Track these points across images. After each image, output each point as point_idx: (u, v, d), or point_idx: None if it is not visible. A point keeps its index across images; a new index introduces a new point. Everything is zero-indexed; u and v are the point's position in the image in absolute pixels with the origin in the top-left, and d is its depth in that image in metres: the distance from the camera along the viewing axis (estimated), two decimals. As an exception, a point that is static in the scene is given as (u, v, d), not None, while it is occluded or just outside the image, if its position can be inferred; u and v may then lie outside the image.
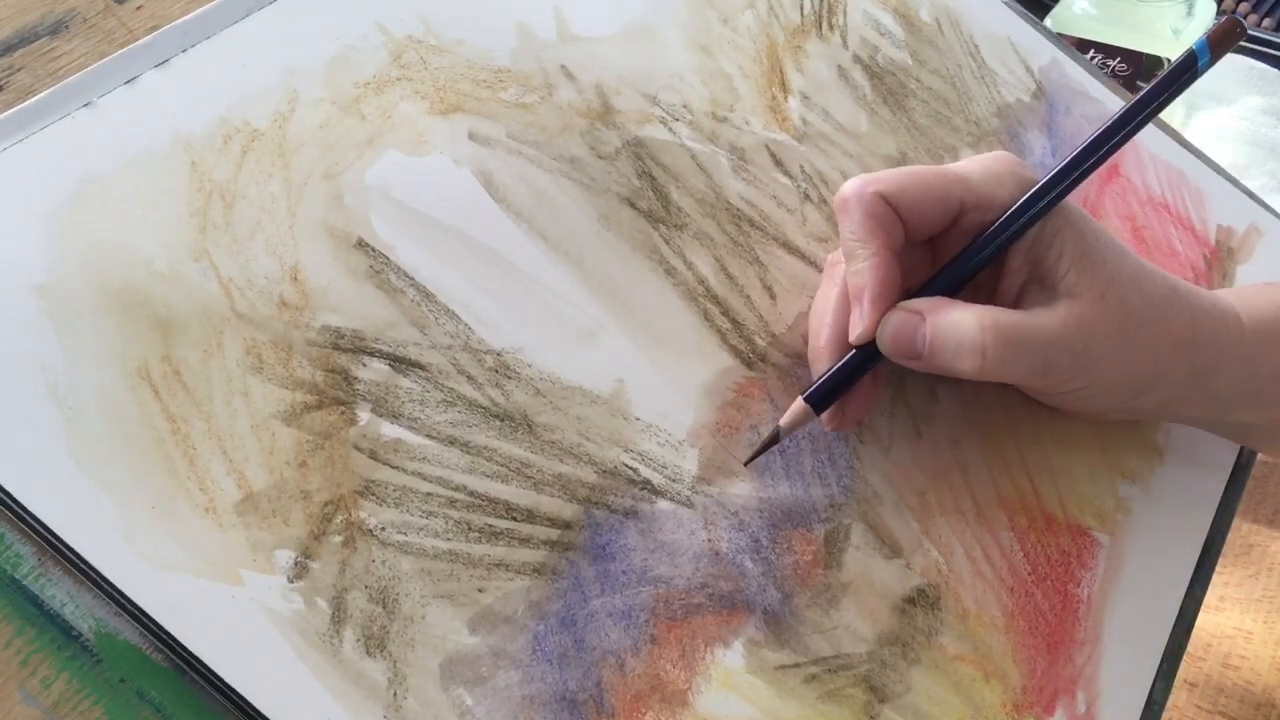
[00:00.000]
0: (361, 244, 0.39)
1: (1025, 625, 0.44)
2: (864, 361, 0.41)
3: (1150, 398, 0.43)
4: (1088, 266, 0.41)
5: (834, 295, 0.43)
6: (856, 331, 0.41)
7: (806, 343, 0.44)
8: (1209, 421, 0.48)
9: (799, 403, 0.41)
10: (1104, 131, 0.43)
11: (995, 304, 0.42)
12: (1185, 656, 0.48)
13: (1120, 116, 0.43)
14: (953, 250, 0.43)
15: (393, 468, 0.36)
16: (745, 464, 0.41)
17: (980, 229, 0.42)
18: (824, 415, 0.42)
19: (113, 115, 0.38)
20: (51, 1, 0.41)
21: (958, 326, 0.40)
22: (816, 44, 0.52)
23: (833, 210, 0.48)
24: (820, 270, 0.46)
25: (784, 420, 0.41)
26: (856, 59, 0.52)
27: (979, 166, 0.43)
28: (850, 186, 0.42)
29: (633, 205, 0.44)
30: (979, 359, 0.40)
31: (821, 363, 0.42)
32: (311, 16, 0.42)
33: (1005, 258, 0.43)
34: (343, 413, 0.36)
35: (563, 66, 0.46)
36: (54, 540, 0.32)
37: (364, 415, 0.37)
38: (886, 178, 0.42)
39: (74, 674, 0.32)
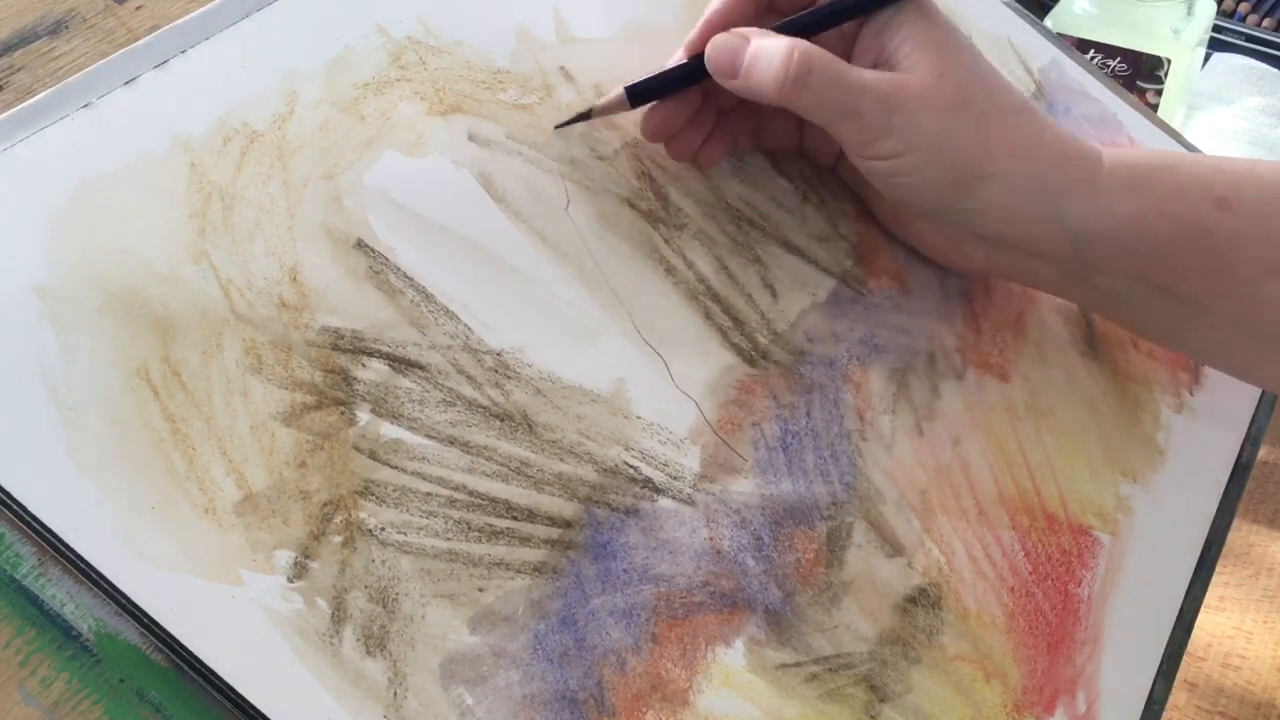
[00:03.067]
0: (361, 245, 0.39)
1: (1026, 625, 0.44)
2: (689, 72, 0.44)
3: (984, 199, 0.42)
4: (930, 51, 0.42)
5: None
6: (687, 40, 0.44)
7: (809, 338, 0.44)
8: (1075, 275, 0.45)
9: (619, 89, 0.44)
10: None
11: None
12: (1185, 656, 0.48)
13: None
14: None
15: (392, 468, 0.36)
16: (556, 127, 0.44)
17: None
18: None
19: (112, 116, 0.38)
20: (51, 1, 0.41)
21: (773, 46, 0.41)
22: (816, 44, 0.52)
23: (832, 211, 0.48)
24: (821, 268, 0.46)
25: (600, 100, 0.44)
26: (856, 59, 0.52)
27: None
28: None
29: (632, 206, 0.44)
30: (782, 75, 0.41)
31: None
32: (311, 18, 0.42)
33: (857, 36, 0.44)
34: (342, 413, 0.36)
35: (562, 68, 0.46)
36: (54, 540, 0.32)
37: (363, 415, 0.37)
38: None
39: (74, 674, 0.32)
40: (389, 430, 0.37)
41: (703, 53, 0.43)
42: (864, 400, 0.44)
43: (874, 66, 0.43)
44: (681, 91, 0.44)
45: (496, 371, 0.39)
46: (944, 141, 0.42)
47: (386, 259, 0.39)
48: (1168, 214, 0.43)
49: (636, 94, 0.44)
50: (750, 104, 0.45)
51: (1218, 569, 0.51)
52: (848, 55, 0.44)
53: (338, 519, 0.35)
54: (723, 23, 0.44)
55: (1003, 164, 0.42)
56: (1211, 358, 0.49)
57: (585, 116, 0.44)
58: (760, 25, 0.44)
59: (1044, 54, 0.59)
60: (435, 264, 0.40)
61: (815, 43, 0.42)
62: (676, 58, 0.45)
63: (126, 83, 0.38)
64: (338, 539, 0.35)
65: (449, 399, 0.38)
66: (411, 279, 0.39)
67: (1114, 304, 0.47)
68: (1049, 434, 0.48)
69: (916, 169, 0.42)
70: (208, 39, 0.40)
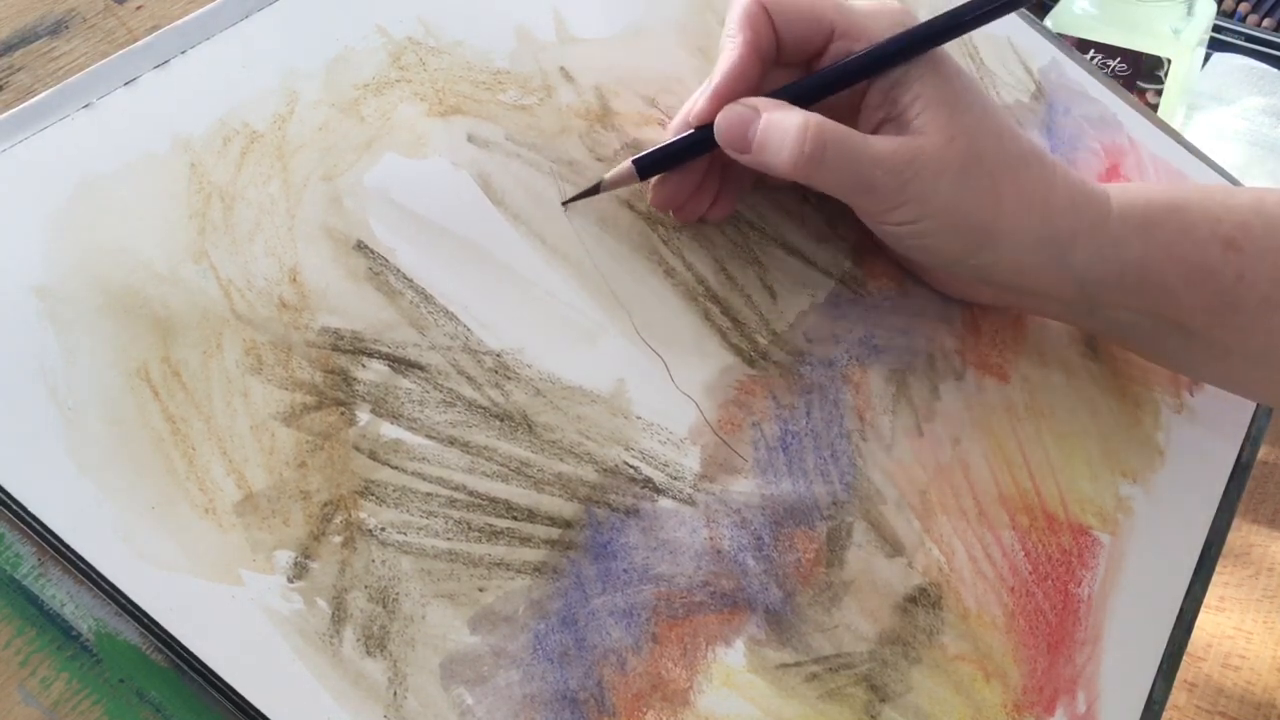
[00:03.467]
0: (361, 246, 0.39)
1: (1026, 625, 0.44)
2: (696, 143, 0.43)
3: (996, 254, 0.42)
4: (943, 111, 0.41)
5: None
6: (693, 110, 0.43)
7: (809, 339, 0.45)
8: (1081, 312, 0.46)
9: (627, 162, 0.43)
10: None
11: None
12: (1185, 656, 0.48)
13: None
14: None
15: (392, 468, 0.36)
16: (564, 204, 0.43)
17: (846, 57, 0.43)
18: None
19: (112, 116, 0.38)
20: (51, 1, 0.41)
21: (786, 122, 0.41)
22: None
23: (831, 213, 0.48)
24: (820, 269, 0.47)
25: (609, 174, 0.43)
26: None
27: (865, 3, 0.44)
28: None
29: (631, 207, 0.44)
30: (797, 152, 0.40)
31: (671, 133, 0.44)
32: (311, 18, 0.42)
33: (864, 94, 0.43)
34: (342, 413, 0.36)
35: (562, 68, 0.46)
36: (54, 540, 0.32)
37: (363, 416, 0.37)
38: None
39: (74, 674, 0.32)
40: (389, 430, 0.37)
41: (710, 123, 0.42)
42: (864, 400, 0.44)
43: (883, 123, 0.43)
44: (689, 162, 0.43)
45: (496, 372, 0.39)
46: (958, 206, 0.41)
47: (386, 260, 0.39)
48: (1175, 257, 0.43)
49: (645, 167, 0.43)
50: (709, 179, 0.45)
51: (1218, 569, 0.51)
52: (856, 110, 0.44)
53: (338, 519, 0.35)
54: (730, 90, 0.42)
55: (1014, 220, 0.42)
56: (1221, 383, 0.50)
57: (594, 191, 0.43)
58: (767, 85, 0.43)
59: (1044, 54, 0.59)
60: (435, 265, 0.40)
61: (826, 105, 0.42)
62: (677, 122, 0.44)
63: (126, 83, 0.38)
64: (338, 539, 0.35)
65: (449, 399, 0.38)
66: (411, 280, 0.39)
67: (1121, 334, 0.48)
68: (1049, 434, 0.48)
69: (931, 234, 0.42)
70: (208, 39, 0.40)
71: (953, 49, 0.55)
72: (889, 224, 0.43)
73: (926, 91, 0.42)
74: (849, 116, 0.43)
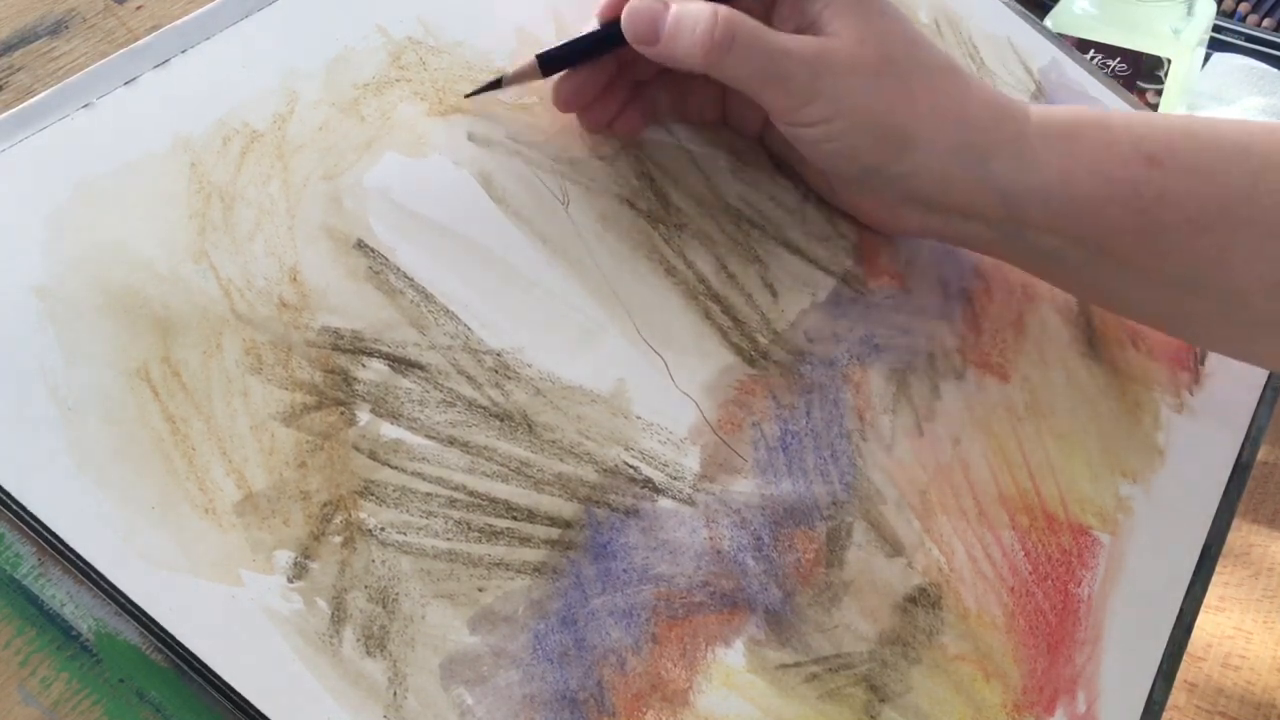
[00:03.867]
0: (361, 245, 0.39)
1: (1026, 625, 0.44)
2: (601, 38, 0.43)
3: (913, 162, 0.42)
4: (854, 16, 0.41)
5: None
6: (599, 3, 0.43)
7: (809, 338, 0.44)
8: (1009, 234, 0.45)
9: (530, 57, 0.42)
10: None
11: None
12: (1185, 656, 0.48)
13: None
14: None
15: (392, 468, 0.36)
16: (466, 96, 0.42)
17: None
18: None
19: (112, 116, 0.38)
20: (51, 1, 0.41)
21: (695, 11, 0.41)
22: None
23: (832, 211, 0.48)
24: (821, 268, 0.46)
25: (511, 69, 0.43)
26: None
27: None
28: None
29: (632, 206, 0.44)
30: (707, 40, 0.40)
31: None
32: (311, 18, 0.42)
33: (774, 4, 0.43)
34: (342, 413, 0.36)
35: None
36: (54, 540, 0.32)
37: (363, 416, 0.37)
38: None
39: (74, 674, 0.32)
40: (389, 430, 0.37)
41: (617, 19, 0.42)
42: (864, 400, 0.44)
43: (795, 33, 0.42)
44: (595, 60, 0.43)
45: (496, 372, 0.39)
46: (870, 105, 0.41)
47: (386, 259, 0.39)
48: (1097, 171, 0.42)
49: (548, 61, 0.42)
50: (669, 74, 0.44)
51: (1218, 569, 0.51)
52: (767, 22, 0.43)
53: (338, 519, 0.35)
54: None
55: (929, 126, 0.42)
56: (1149, 317, 0.48)
57: (496, 85, 0.43)
58: None
59: (1044, 54, 0.59)
60: (435, 264, 0.40)
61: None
62: (589, 24, 0.43)
63: (126, 83, 0.38)
64: (338, 539, 0.35)
65: (449, 399, 0.38)
66: (411, 279, 0.39)
67: (1050, 265, 0.46)
68: (1049, 434, 0.48)
69: (843, 134, 0.42)
70: (208, 39, 0.40)
71: (950, 45, 0.55)
72: (802, 123, 0.42)
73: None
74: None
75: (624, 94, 0.45)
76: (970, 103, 0.42)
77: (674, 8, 0.41)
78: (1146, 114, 0.45)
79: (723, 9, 0.40)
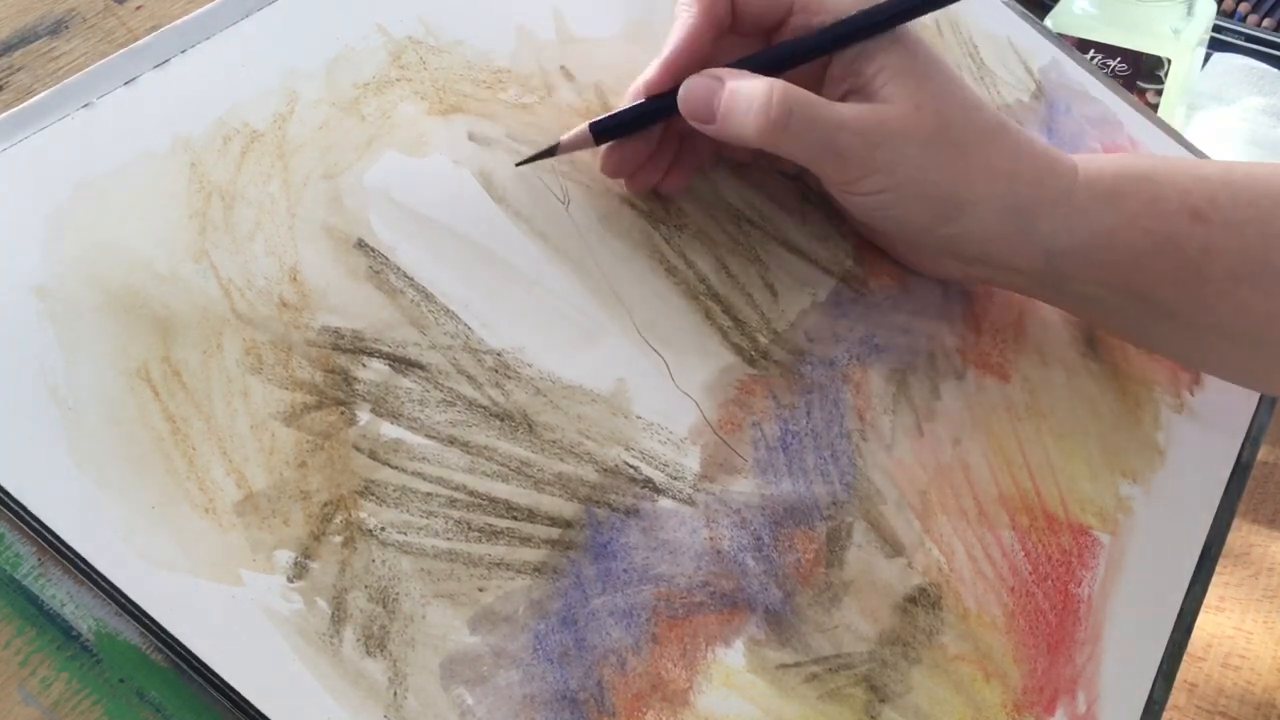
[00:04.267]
0: (361, 244, 0.39)
1: (1026, 625, 0.44)
2: (654, 110, 0.42)
3: (963, 225, 0.42)
4: (909, 81, 0.41)
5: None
6: (647, 79, 0.42)
7: (810, 338, 0.44)
8: (1048, 284, 0.45)
9: (583, 126, 0.42)
10: None
11: None
12: (1185, 656, 0.48)
13: None
14: None
15: (393, 468, 0.36)
16: (518, 165, 0.42)
17: (807, 31, 0.43)
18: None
19: (112, 116, 0.38)
20: (51, 1, 0.41)
21: (751, 89, 0.40)
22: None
23: (833, 211, 0.48)
24: (821, 268, 0.47)
25: (565, 136, 0.42)
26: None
27: None
28: None
29: (633, 205, 0.44)
30: (763, 118, 0.40)
31: (626, 102, 0.43)
32: (311, 17, 0.42)
33: (826, 67, 0.43)
34: (342, 413, 0.36)
35: (562, 67, 0.46)
36: (54, 540, 0.32)
37: (364, 415, 0.37)
38: None
39: (74, 674, 0.32)
40: (389, 430, 0.37)
41: (667, 91, 0.42)
42: (864, 400, 0.44)
43: (847, 95, 0.42)
44: (647, 128, 0.43)
45: (497, 371, 0.39)
46: (927, 174, 0.41)
47: (387, 259, 0.39)
48: (1142, 228, 0.43)
49: (601, 131, 0.42)
50: (663, 150, 0.44)
51: (1218, 569, 0.51)
52: (819, 84, 0.43)
53: (338, 519, 0.35)
54: (684, 59, 0.42)
55: (981, 190, 0.42)
56: (1187, 360, 0.49)
57: (550, 153, 0.42)
58: (720, 52, 0.43)
59: (1044, 54, 0.59)
60: (436, 264, 0.40)
61: (787, 77, 0.41)
62: (631, 92, 0.43)
63: (126, 83, 0.38)
64: (338, 539, 0.35)
65: (449, 399, 0.38)
66: (412, 279, 0.39)
67: (1088, 308, 0.47)
68: (1049, 434, 0.48)
69: (900, 203, 0.42)
70: (208, 39, 0.40)
71: (950, 45, 0.55)
72: (858, 193, 0.42)
73: (891, 63, 0.41)
74: (811, 90, 0.43)
75: (669, 156, 0.45)
76: (1021, 164, 0.42)
77: (728, 85, 0.41)
78: (1190, 163, 0.46)
79: (778, 85, 0.40)
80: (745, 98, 0.40)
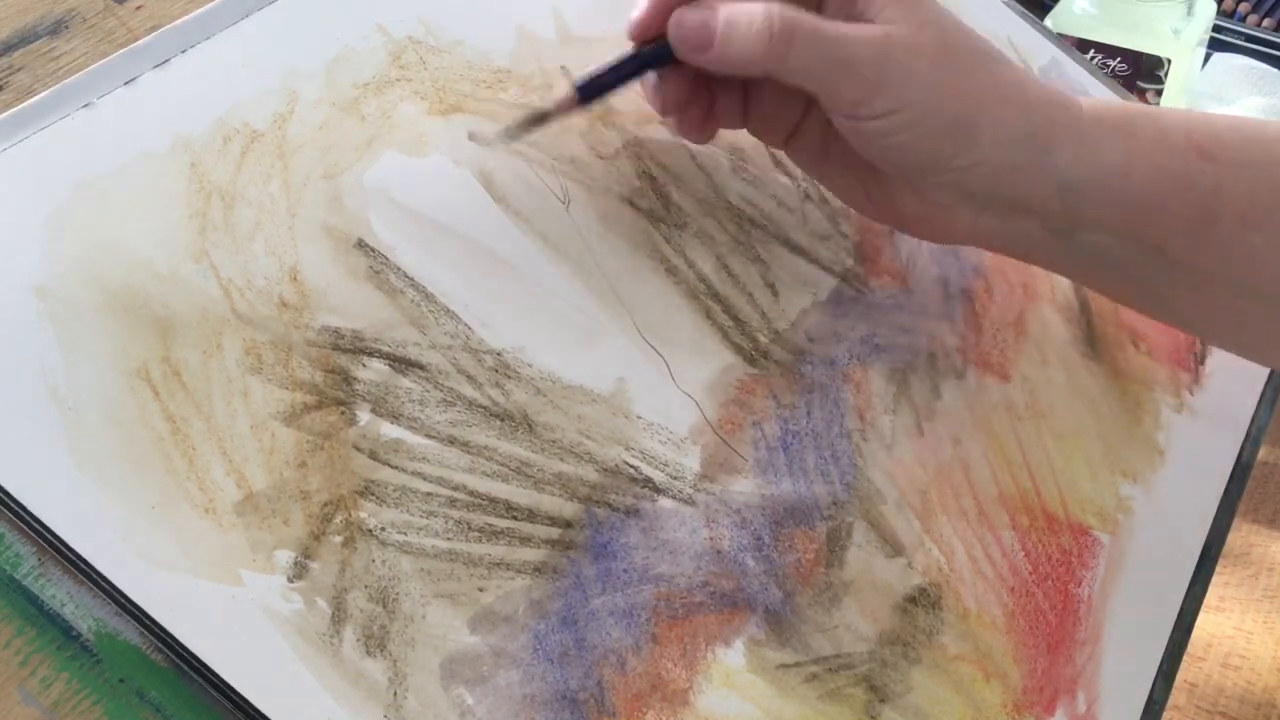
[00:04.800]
0: (361, 245, 0.39)
1: (1026, 625, 0.44)
2: (644, 58, 0.41)
3: (978, 153, 0.41)
4: (907, 3, 0.40)
5: None
6: (632, 19, 0.41)
7: (810, 337, 0.44)
8: (1061, 232, 0.44)
9: (569, 88, 0.41)
10: None
11: None
12: (1185, 656, 0.48)
13: None
14: None
15: (393, 468, 0.36)
16: (503, 133, 0.41)
17: None
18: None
19: (112, 116, 0.38)
20: (51, 1, 0.41)
21: (749, 9, 0.39)
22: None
23: (834, 210, 0.48)
24: (822, 267, 0.46)
25: (551, 102, 0.41)
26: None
27: None
28: None
29: (633, 205, 0.44)
30: (765, 37, 0.38)
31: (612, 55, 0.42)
32: (311, 17, 0.42)
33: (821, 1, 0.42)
34: (342, 413, 0.36)
35: (562, 67, 0.46)
36: (54, 540, 0.32)
37: (364, 415, 0.37)
38: None
39: (74, 674, 0.32)
40: (389, 430, 0.37)
41: (654, 36, 0.40)
42: (864, 400, 0.44)
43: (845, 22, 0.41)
44: (633, 81, 0.41)
45: (497, 371, 0.39)
46: (938, 92, 0.40)
47: (387, 259, 0.39)
48: (1152, 162, 0.41)
49: (586, 89, 0.41)
50: (701, 81, 0.43)
51: (1218, 569, 0.51)
52: (816, 11, 0.41)
53: (338, 519, 0.35)
54: None
55: (994, 114, 0.40)
56: (1195, 325, 0.47)
57: (541, 120, 0.41)
58: None
59: (1044, 54, 0.59)
60: (436, 264, 0.40)
61: None
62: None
63: (126, 83, 0.38)
64: (338, 539, 0.35)
65: (449, 399, 0.38)
66: (412, 279, 0.39)
67: (1099, 267, 0.45)
68: (1049, 434, 0.48)
69: (912, 125, 0.40)
70: (208, 39, 0.40)
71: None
72: (868, 116, 0.40)
73: None
74: None
75: (707, 96, 0.43)
76: (1029, 88, 0.41)
77: (723, 10, 0.40)
78: (1194, 111, 0.44)
79: (775, 5, 0.39)
80: (744, 19, 0.39)
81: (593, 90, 0.41)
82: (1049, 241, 0.44)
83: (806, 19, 0.39)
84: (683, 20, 0.40)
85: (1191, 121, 0.42)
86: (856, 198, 0.46)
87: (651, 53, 0.41)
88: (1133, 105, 0.43)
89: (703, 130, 0.44)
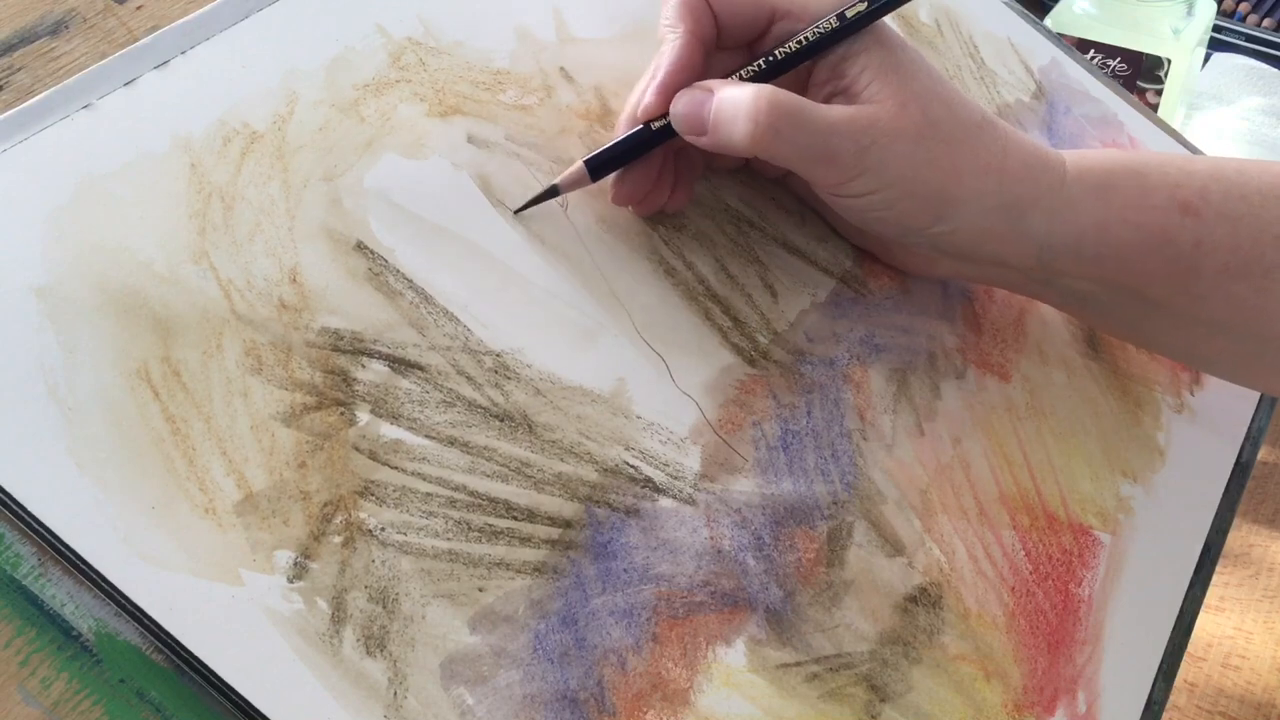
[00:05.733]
0: (360, 246, 0.39)
1: (1026, 625, 0.44)
2: (648, 136, 0.42)
3: (955, 222, 0.42)
4: (892, 79, 0.41)
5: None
6: (641, 105, 0.42)
7: (810, 338, 0.44)
8: (1039, 281, 0.45)
9: (578, 164, 0.42)
10: None
11: None
12: (1185, 656, 0.48)
13: None
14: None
15: (392, 468, 0.36)
16: (515, 212, 0.42)
17: (790, 38, 0.43)
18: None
19: (112, 117, 0.38)
20: (51, 1, 0.41)
21: (738, 96, 0.40)
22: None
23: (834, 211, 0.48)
24: (821, 268, 0.47)
25: (561, 177, 0.42)
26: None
27: None
28: None
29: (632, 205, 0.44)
30: (751, 126, 0.40)
31: (618, 133, 0.43)
32: (311, 18, 0.42)
33: (811, 71, 0.43)
34: (342, 413, 0.36)
35: (561, 68, 0.46)
36: (54, 540, 0.32)
37: (363, 416, 0.37)
38: None
39: (74, 674, 0.32)
40: (389, 431, 0.37)
41: (656, 117, 0.42)
42: (864, 400, 0.44)
43: (831, 97, 0.42)
44: (641, 156, 0.43)
45: (496, 372, 0.39)
46: (916, 172, 0.41)
47: (386, 260, 0.39)
48: (1132, 222, 0.43)
49: (596, 166, 0.42)
50: (665, 177, 0.44)
51: (1218, 569, 0.51)
52: (803, 88, 0.43)
53: (338, 519, 0.35)
54: (675, 81, 0.42)
55: (971, 187, 0.42)
56: (1183, 356, 0.49)
57: (550, 195, 0.42)
58: (710, 70, 0.43)
59: (1044, 54, 0.59)
60: (435, 265, 0.40)
61: (774, 83, 0.41)
62: (625, 119, 0.43)
63: (126, 83, 0.38)
64: (338, 539, 0.35)
65: (449, 399, 0.38)
66: (411, 280, 0.39)
67: (1083, 306, 0.47)
68: (1049, 434, 0.48)
69: (890, 203, 0.42)
70: (208, 39, 0.40)
71: (950, 45, 0.55)
72: (848, 195, 0.42)
73: (873, 62, 0.41)
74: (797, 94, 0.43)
75: (672, 176, 0.44)
76: (1009, 159, 0.42)
77: (717, 94, 0.41)
78: (1180, 158, 0.45)
79: (765, 90, 0.40)
80: (732, 105, 0.40)
81: (603, 167, 0.42)
82: (1031, 285, 0.47)
83: (793, 106, 0.40)
84: (683, 104, 0.42)
85: (1178, 175, 0.43)
86: (846, 228, 0.48)
87: (655, 133, 0.42)
88: (1119, 159, 0.44)
89: (653, 209, 0.45)
